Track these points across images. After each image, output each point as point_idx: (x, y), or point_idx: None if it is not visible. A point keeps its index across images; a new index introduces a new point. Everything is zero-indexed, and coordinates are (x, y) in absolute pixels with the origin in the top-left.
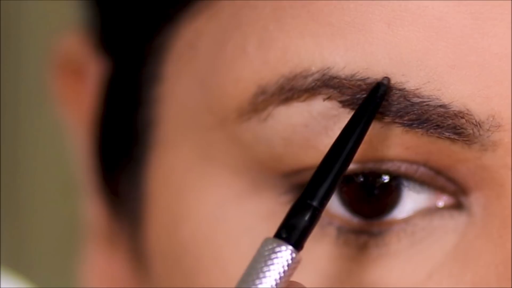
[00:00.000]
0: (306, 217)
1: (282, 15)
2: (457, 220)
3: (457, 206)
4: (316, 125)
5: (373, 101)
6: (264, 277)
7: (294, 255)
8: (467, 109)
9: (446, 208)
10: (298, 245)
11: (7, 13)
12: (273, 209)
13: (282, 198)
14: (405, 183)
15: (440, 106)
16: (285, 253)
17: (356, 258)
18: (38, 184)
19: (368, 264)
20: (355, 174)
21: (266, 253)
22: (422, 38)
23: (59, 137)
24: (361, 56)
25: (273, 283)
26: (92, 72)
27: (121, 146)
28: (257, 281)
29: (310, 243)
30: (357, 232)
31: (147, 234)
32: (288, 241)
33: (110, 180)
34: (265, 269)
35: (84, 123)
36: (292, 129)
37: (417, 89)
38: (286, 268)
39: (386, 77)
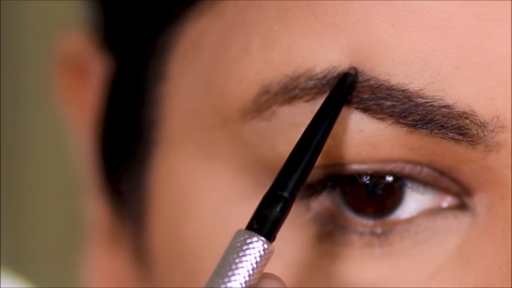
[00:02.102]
0: (278, 208)
1: (286, 15)
2: (461, 221)
3: (461, 206)
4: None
5: (340, 92)
6: (237, 268)
7: (266, 246)
8: (472, 110)
9: (450, 208)
10: (270, 236)
11: (7, 12)
12: None
13: None
14: (409, 184)
15: (444, 106)
16: (256, 244)
17: (359, 257)
18: (38, 184)
19: (371, 264)
20: (359, 174)
21: (238, 244)
22: (426, 39)
23: (61, 136)
24: (365, 56)
25: (246, 274)
26: (95, 71)
27: (124, 145)
28: (230, 273)
29: (313, 243)
30: (360, 232)
31: (150, 233)
32: (259, 232)
33: (112, 179)
34: (237, 260)
35: (86, 122)
36: (295, 129)
37: (421, 89)
38: (258, 259)
39: (353, 67)
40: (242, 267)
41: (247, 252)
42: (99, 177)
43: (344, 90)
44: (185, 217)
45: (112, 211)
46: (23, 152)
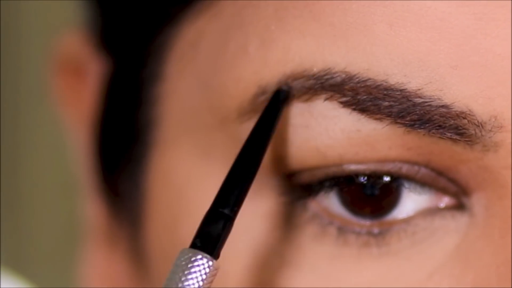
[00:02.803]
0: (220, 225)
1: (284, 15)
2: (459, 221)
3: (459, 206)
4: (317, 126)
5: (275, 107)
6: (183, 286)
7: (211, 263)
8: (469, 110)
9: (448, 208)
10: (213, 253)
11: (6, 12)
12: (273, 209)
13: (282, 199)
14: (406, 184)
15: (442, 106)
16: (201, 261)
17: (356, 258)
18: (37, 184)
19: (369, 264)
20: (356, 174)
21: (183, 263)
22: (424, 39)
23: (59, 136)
24: (362, 56)
25: None
26: (92, 71)
27: (122, 146)
28: None
29: (310, 243)
30: (358, 232)
31: (148, 234)
32: (204, 249)
33: (110, 180)
34: (183, 278)
35: (84, 122)
36: (292, 129)
37: (419, 89)
38: (204, 276)
39: (286, 83)
40: (189, 285)
41: (192, 270)
42: (96, 178)
43: (279, 105)
44: (183, 217)
45: (110, 212)
46: (22, 152)
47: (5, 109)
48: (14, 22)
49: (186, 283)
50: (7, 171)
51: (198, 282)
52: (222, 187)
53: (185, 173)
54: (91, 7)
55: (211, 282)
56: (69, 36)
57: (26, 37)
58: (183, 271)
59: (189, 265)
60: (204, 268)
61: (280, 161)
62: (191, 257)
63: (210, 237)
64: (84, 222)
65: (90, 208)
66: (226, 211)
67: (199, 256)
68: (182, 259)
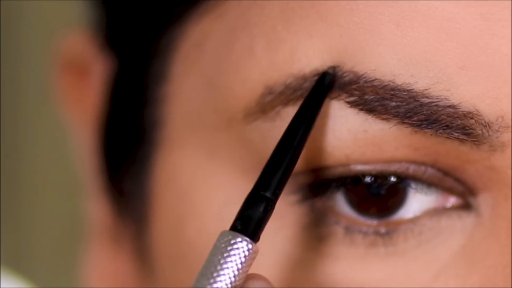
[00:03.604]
0: (261, 208)
1: (291, 16)
2: (465, 221)
3: (465, 206)
4: (323, 126)
5: (320, 91)
6: (222, 269)
7: (250, 246)
8: (476, 110)
9: (454, 208)
10: (254, 236)
11: (8, 11)
12: (280, 209)
13: (289, 198)
14: (413, 185)
15: (449, 106)
16: (241, 244)
17: (363, 257)
18: (38, 184)
19: (376, 264)
20: (363, 175)
21: (223, 245)
22: (431, 39)
23: (61, 136)
24: (369, 57)
25: (232, 275)
26: (96, 71)
27: (127, 146)
28: (215, 274)
29: (316, 243)
30: (365, 231)
31: (153, 233)
32: (243, 232)
33: (115, 179)
34: (222, 261)
35: (88, 122)
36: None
37: (426, 89)
38: (243, 259)
39: (331, 66)
40: (227, 267)
41: (232, 252)
42: (101, 177)
43: (324, 89)
44: (188, 218)
45: (114, 211)
46: (23, 152)
47: (6, 109)
48: (15, 22)
49: (225, 265)
50: (7, 171)
51: (237, 265)
52: (263, 170)
53: (190, 173)
54: (95, 7)
55: (250, 265)
56: (73, 36)
57: (27, 37)
58: (222, 253)
59: (229, 248)
60: (243, 251)
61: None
62: (230, 239)
63: (251, 220)
64: (85, 221)
65: (94, 207)
66: (268, 194)
67: (239, 239)
68: (222, 241)
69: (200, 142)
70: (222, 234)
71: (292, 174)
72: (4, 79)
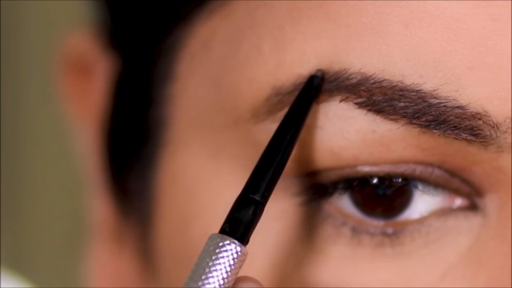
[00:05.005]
0: (250, 211)
1: (298, 16)
2: (472, 222)
3: (472, 207)
4: (331, 127)
5: (308, 93)
6: (210, 271)
7: (239, 249)
8: (485, 111)
9: (461, 209)
10: (243, 239)
11: (10, 10)
12: (286, 210)
13: (295, 199)
14: (420, 186)
15: (458, 107)
16: (229, 247)
17: (370, 258)
18: (39, 183)
19: (383, 264)
20: (370, 176)
21: (211, 248)
22: (440, 40)
23: (63, 135)
24: (377, 57)
25: (220, 277)
26: (100, 70)
27: (131, 145)
28: (204, 276)
29: (324, 244)
30: (372, 232)
31: (157, 233)
32: (232, 235)
33: (119, 179)
34: (210, 264)
35: (91, 121)
36: (307, 131)
37: (435, 90)
38: (232, 262)
39: (319, 69)
40: (216, 270)
41: (220, 255)
42: (104, 176)
43: (312, 92)
44: (193, 217)
45: (117, 211)
46: (24, 151)
47: (6, 109)
48: (16, 21)
49: (214, 268)
50: (8, 170)
51: (226, 267)
52: (253, 173)
53: (195, 173)
54: (100, 6)
55: (240, 268)
56: (76, 35)
57: (29, 36)
58: (211, 256)
59: (217, 251)
60: (232, 254)
61: (294, 162)
62: (219, 242)
63: (240, 222)
64: (87, 221)
65: (97, 206)
66: (257, 196)
67: (227, 242)
68: (211, 244)
69: (205, 142)
70: (211, 237)
71: (300, 175)
72: (6, 78)
